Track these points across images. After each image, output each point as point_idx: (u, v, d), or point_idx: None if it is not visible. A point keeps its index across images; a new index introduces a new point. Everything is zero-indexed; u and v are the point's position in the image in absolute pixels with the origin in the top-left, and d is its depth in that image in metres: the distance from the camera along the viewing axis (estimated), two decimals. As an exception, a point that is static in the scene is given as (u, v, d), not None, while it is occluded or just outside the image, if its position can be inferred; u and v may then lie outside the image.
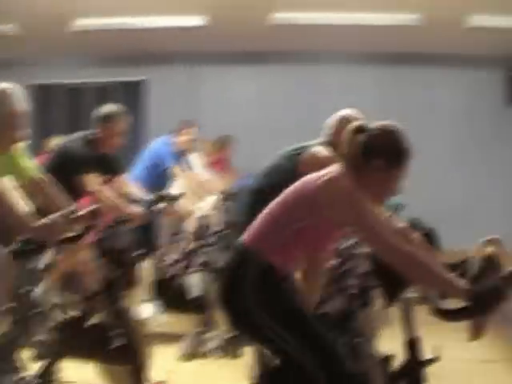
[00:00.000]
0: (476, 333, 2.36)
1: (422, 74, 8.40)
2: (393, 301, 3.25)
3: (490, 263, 2.34)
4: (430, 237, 2.80)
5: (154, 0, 6.28)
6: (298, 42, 7.63)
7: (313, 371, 2.22)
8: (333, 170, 2.35)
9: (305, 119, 8.09)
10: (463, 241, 6.37)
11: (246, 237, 2.43)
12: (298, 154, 3.42)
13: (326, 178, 2.31)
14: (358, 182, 2.28)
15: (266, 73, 8.38)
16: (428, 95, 8.35)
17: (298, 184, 2.44)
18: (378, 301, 3.13)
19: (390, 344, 2.66)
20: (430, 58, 8.24)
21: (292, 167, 3.35)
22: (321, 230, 2.37)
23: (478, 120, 8.09)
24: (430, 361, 2.33)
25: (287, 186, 2.70)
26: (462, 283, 2.16)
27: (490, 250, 2.37)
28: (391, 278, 3.19)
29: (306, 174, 3.02)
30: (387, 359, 2.36)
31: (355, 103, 7.83)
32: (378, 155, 2.30)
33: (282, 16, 6.46)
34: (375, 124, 2.38)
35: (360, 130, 2.35)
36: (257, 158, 6.83)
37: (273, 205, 2.46)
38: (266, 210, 2.47)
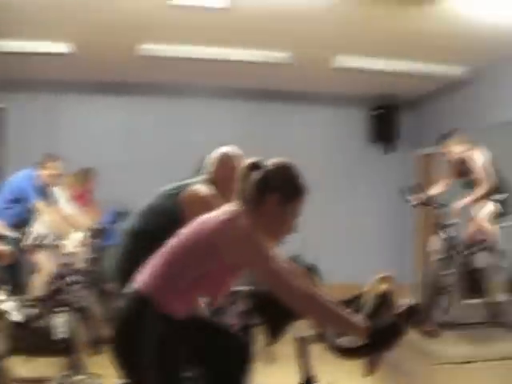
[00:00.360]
0: (371, 369, 2.46)
1: (291, 110, 8.67)
2: (276, 338, 3.33)
3: (384, 300, 2.46)
4: (311, 272, 2.90)
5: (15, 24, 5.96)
6: (164, 75, 7.56)
7: None
8: (228, 210, 2.34)
9: (167, 152, 8.09)
10: (343, 276, 6.74)
11: (140, 283, 2.34)
12: (178, 193, 3.32)
13: (222, 219, 2.29)
14: (255, 221, 2.28)
15: (130, 104, 8.22)
16: (296, 132, 8.65)
17: (193, 227, 2.40)
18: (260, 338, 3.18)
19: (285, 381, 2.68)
20: (298, 95, 8.52)
21: (173, 207, 3.26)
22: (220, 273, 2.34)
23: (345, 157, 8.44)
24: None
25: (169, 227, 2.71)
26: (361, 321, 2.21)
27: (383, 286, 2.49)
28: (273, 316, 3.27)
29: (188, 213, 3.04)
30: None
31: (222, 138, 7.97)
32: (273, 190, 2.31)
33: (149, 47, 6.37)
34: (269, 161, 2.40)
35: (254, 166, 2.36)
36: (119, 192, 6.79)
37: (167, 249, 2.40)
38: (159, 255, 2.40)
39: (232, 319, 3.17)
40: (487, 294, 5.44)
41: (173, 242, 2.39)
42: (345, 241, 8.36)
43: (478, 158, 5.54)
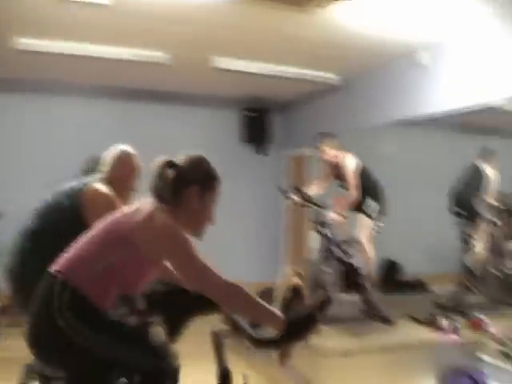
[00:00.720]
0: (283, 359, 2.54)
1: (168, 110, 8.61)
2: (175, 335, 3.31)
3: (296, 293, 2.54)
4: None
5: None
6: (37, 71, 7.23)
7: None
8: (147, 205, 2.33)
9: (39, 150, 7.78)
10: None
11: (56, 267, 2.32)
12: (76, 192, 3.24)
13: (142, 214, 2.29)
14: (175, 216, 2.30)
15: (3, 100, 7.78)
16: (172, 132, 8.58)
17: (111, 221, 2.39)
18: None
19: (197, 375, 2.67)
20: (176, 95, 8.48)
21: (72, 206, 3.19)
22: (138, 264, 2.33)
23: (219, 157, 8.46)
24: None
25: (68, 226, 2.93)
26: (279, 314, 2.27)
27: (294, 281, 2.57)
28: (171, 314, 3.26)
29: (89, 211, 3.01)
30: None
31: (94, 137, 7.79)
32: (191, 183, 2.37)
33: (27, 42, 6.05)
34: (181, 156, 2.45)
35: (169, 164, 2.39)
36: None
37: (82, 238, 2.40)
38: (76, 244, 2.40)
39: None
40: (363, 290, 5.71)
41: (89, 234, 2.40)
42: (218, 239, 8.40)
43: (350, 164, 5.80)
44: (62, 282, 2.23)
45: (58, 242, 3.13)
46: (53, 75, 7.42)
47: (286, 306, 2.47)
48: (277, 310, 2.31)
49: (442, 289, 7.43)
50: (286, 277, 2.55)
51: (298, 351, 2.52)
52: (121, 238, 2.28)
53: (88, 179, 3.42)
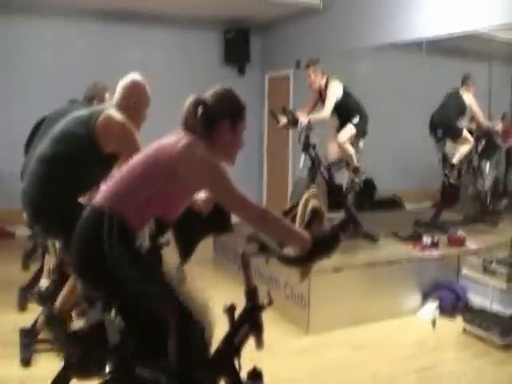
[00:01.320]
0: (304, 275, 2.72)
1: (147, 32, 8.55)
2: (187, 256, 3.46)
3: (316, 214, 2.68)
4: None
5: None
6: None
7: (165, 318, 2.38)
8: (184, 137, 2.43)
9: (21, 74, 7.65)
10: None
11: (99, 199, 2.43)
12: (90, 118, 3.25)
13: (181, 145, 2.38)
14: (211, 146, 2.43)
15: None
16: (153, 54, 8.53)
17: (151, 151, 2.48)
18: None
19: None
20: (155, 17, 8.40)
21: (88, 134, 3.21)
22: (176, 193, 2.46)
23: (201, 78, 8.37)
24: (267, 305, 2.58)
25: (83, 152, 3.14)
26: (305, 234, 2.44)
27: (314, 202, 2.70)
28: (182, 235, 3.40)
29: (105, 137, 3.09)
30: (230, 308, 2.53)
31: (71, 59, 7.68)
32: (222, 118, 2.47)
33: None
34: (208, 92, 2.54)
35: (198, 102, 2.48)
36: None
37: (124, 170, 2.50)
38: (117, 175, 2.51)
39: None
40: (347, 208, 5.91)
41: (130, 163, 2.49)
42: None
43: (334, 90, 5.84)
44: (110, 214, 2.33)
45: (74, 168, 3.24)
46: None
47: (308, 227, 2.60)
48: (302, 231, 2.47)
49: (419, 206, 7.72)
50: (305, 199, 2.67)
51: (290, 269, 2.71)
52: (161, 168, 2.39)
53: (101, 107, 3.45)
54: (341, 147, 5.88)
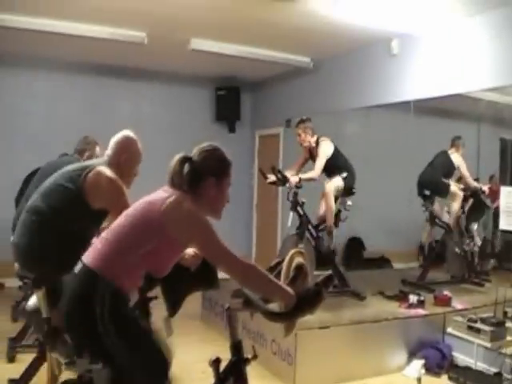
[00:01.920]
0: (288, 331, 2.77)
1: (142, 88, 8.74)
2: (175, 310, 3.51)
3: (301, 271, 2.75)
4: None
5: None
6: (16, 46, 7.25)
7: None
8: (171, 194, 2.52)
9: (14, 125, 7.78)
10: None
11: (90, 260, 2.47)
12: (80, 174, 3.31)
13: (169, 201, 2.46)
14: (195, 203, 2.51)
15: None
16: (145, 109, 8.71)
17: (139, 206, 2.56)
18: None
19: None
20: (151, 74, 8.64)
21: (76, 189, 3.28)
22: (165, 250, 2.53)
23: (193, 134, 8.53)
24: (252, 358, 2.62)
25: (75, 208, 3.22)
26: (290, 290, 2.49)
27: (299, 259, 2.78)
28: (171, 292, 3.45)
29: (94, 193, 3.17)
30: (216, 361, 2.57)
31: (62, 112, 7.81)
32: (207, 175, 2.57)
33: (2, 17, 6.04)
34: (195, 150, 2.65)
35: (184, 160, 2.58)
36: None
37: (114, 229, 2.55)
38: (106, 234, 2.56)
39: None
40: (334, 267, 5.97)
41: (119, 223, 2.55)
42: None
43: (325, 150, 5.96)
44: (103, 281, 2.40)
45: (63, 221, 3.30)
46: (30, 51, 7.44)
47: (292, 283, 2.67)
48: (287, 287, 2.53)
49: (405, 265, 7.81)
50: (290, 256, 2.75)
51: (278, 325, 2.77)
52: (150, 225, 2.46)
53: (92, 162, 3.53)
54: (324, 197, 5.95)
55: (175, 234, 2.46)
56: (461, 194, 6.76)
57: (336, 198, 5.98)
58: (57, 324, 3.49)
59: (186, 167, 2.56)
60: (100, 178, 3.31)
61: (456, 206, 6.77)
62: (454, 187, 6.71)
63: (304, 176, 5.82)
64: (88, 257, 2.51)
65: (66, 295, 2.50)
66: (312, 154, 6.04)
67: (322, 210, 6.11)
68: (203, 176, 2.56)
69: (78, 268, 2.53)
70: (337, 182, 5.95)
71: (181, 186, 2.54)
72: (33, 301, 3.87)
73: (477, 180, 6.81)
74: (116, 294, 2.40)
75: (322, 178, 6.11)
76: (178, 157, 2.59)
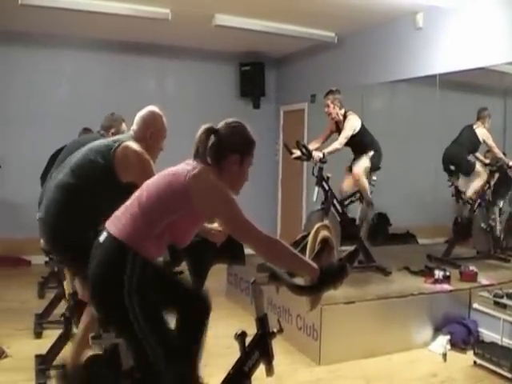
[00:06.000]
0: (313, 305, 2.79)
1: (166, 64, 8.77)
2: (200, 283, 3.54)
3: (326, 245, 2.75)
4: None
5: None
6: (43, 25, 7.28)
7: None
8: (195, 165, 2.52)
9: (39, 103, 7.84)
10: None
11: (117, 231, 2.50)
12: (110, 149, 3.34)
13: (193, 173, 2.47)
14: (218, 176, 2.52)
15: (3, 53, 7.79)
16: (170, 86, 8.76)
17: (164, 177, 2.57)
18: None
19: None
20: (175, 50, 8.64)
21: (106, 163, 3.31)
22: (188, 220, 2.55)
23: (217, 111, 8.51)
24: (278, 332, 2.64)
25: (103, 183, 3.24)
26: (314, 264, 2.50)
27: (324, 233, 2.78)
28: (197, 266, 3.48)
29: (122, 168, 3.18)
30: (241, 335, 2.60)
31: (87, 90, 7.87)
32: (231, 151, 2.57)
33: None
34: (221, 124, 2.63)
35: (210, 131, 2.58)
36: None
37: (140, 199, 2.56)
38: (130, 204, 2.58)
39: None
40: (359, 242, 5.96)
41: (144, 192, 2.57)
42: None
43: (353, 124, 5.89)
44: (134, 252, 2.43)
45: (92, 196, 3.33)
46: (55, 29, 7.47)
47: (317, 257, 2.68)
48: (311, 261, 2.54)
49: (431, 240, 7.76)
50: (316, 230, 2.75)
51: (303, 299, 2.78)
52: (174, 195, 2.47)
53: (120, 137, 3.55)
54: (355, 179, 5.93)
55: (200, 206, 2.47)
56: (485, 172, 6.68)
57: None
58: (82, 298, 3.56)
59: (212, 139, 2.56)
60: (128, 152, 3.33)
61: (478, 183, 6.67)
62: (479, 167, 6.62)
63: (327, 150, 5.74)
64: (112, 226, 2.53)
65: (92, 265, 2.52)
66: (338, 128, 5.97)
67: (345, 185, 6.10)
68: (227, 151, 2.56)
69: (102, 237, 2.55)
70: (364, 164, 5.92)
71: (204, 158, 2.54)
72: None
73: (504, 155, 6.70)
74: (144, 264, 2.44)
75: (348, 154, 6.07)
76: (204, 127, 2.59)
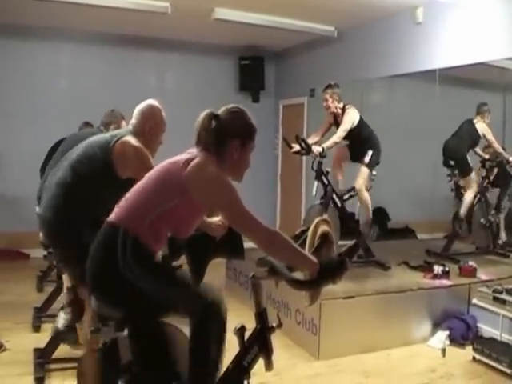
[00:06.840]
0: (313, 300, 2.77)
1: (165, 58, 8.74)
2: (199, 278, 3.52)
3: (325, 240, 2.74)
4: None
5: None
6: (39, 18, 7.26)
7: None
8: (196, 156, 2.51)
9: (39, 96, 7.82)
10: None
11: (115, 217, 2.52)
12: (108, 144, 3.33)
13: (193, 164, 2.46)
14: (220, 163, 2.50)
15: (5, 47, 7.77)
16: (170, 79, 8.75)
17: (162, 169, 2.57)
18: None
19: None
20: (175, 44, 8.62)
21: (104, 158, 3.30)
22: (187, 211, 2.54)
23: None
24: (277, 327, 2.64)
25: (101, 178, 3.23)
26: (314, 259, 2.49)
27: (324, 228, 2.77)
28: (196, 259, 3.45)
29: (121, 163, 3.17)
30: (240, 329, 2.60)
31: (86, 83, 7.85)
32: (233, 137, 2.55)
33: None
34: (222, 109, 2.62)
35: (212, 116, 2.55)
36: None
37: (136, 188, 2.57)
38: (131, 192, 2.59)
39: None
40: (358, 236, 5.95)
41: (143, 182, 2.58)
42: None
43: (351, 118, 5.87)
44: (124, 231, 2.43)
45: (91, 194, 3.32)
46: (54, 23, 7.46)
47: (317, 252, 2.66)
48: (311, 255, 2.52)
49: (430, 235, 7.76)
50: (315, 224, 2.74)
51: (303, 294, 2.77)
52: (173, 184, 2.47)
53: (119, 132, 3.53)
54: (358, 195, 5.94)
55: (199, 197, 2.46)
56: (475, 185, 6.66)
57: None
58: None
59: (213, 123, 2.54)
60: (126, 147, 3.32)
61: (469, 198, 6.64)
62: (474, 175, 6.59)
63: (326, 144, 5.72)
64: (111, 216, 2.56)
65: (90, 254, 2.54)
66: (337, 121, 5.96)
67: (338, 175, 6.09)
68: (229, 137, 2.55)
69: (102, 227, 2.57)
70: (362, 176, 5.92)
71: (206, 144, 2.53)
72: (61, 321, 3.92)
73: (503, 150, 6.69)
74: (137, 242, 2.44)
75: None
76: (205, 112, 2.57)
